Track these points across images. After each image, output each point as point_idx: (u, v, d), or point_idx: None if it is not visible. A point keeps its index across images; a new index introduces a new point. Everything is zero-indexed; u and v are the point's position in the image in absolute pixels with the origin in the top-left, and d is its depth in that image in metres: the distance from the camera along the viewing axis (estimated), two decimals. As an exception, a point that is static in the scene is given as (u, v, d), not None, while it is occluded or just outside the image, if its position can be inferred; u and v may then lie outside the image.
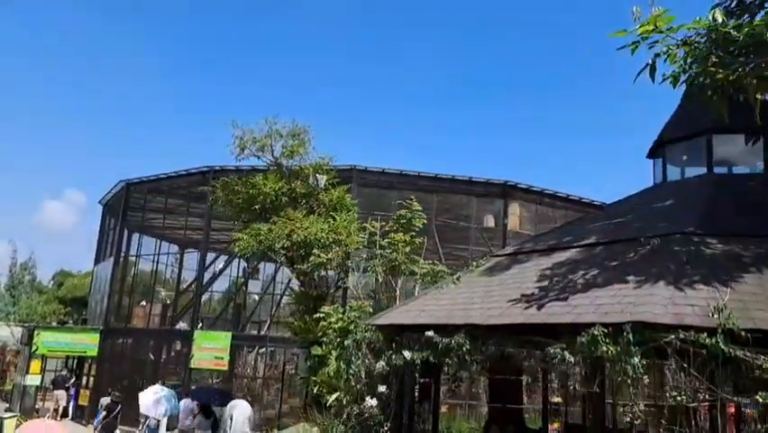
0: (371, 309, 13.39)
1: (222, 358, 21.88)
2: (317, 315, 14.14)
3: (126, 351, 26.47)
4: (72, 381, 25.90)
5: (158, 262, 30.59)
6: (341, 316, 13.40)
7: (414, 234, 15.40)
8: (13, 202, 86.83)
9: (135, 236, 30.57)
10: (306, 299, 15.67)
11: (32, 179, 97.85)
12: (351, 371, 8.55)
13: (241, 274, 36.88)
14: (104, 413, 17.71)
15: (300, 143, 15.77)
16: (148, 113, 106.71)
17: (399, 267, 14.53)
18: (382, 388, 8.22)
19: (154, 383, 23.87)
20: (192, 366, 22.20)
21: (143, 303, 30.41)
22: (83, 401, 24.67)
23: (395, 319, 8.58)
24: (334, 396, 14.67)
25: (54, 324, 37.41)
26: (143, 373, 25.09)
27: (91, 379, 26.10)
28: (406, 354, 7.66)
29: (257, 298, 30.34)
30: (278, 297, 33.17)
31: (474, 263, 9.53)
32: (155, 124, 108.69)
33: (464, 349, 7.01)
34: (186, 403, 18.34)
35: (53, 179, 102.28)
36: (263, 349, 29.83)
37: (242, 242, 14.92)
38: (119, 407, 17.75)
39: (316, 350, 15.18)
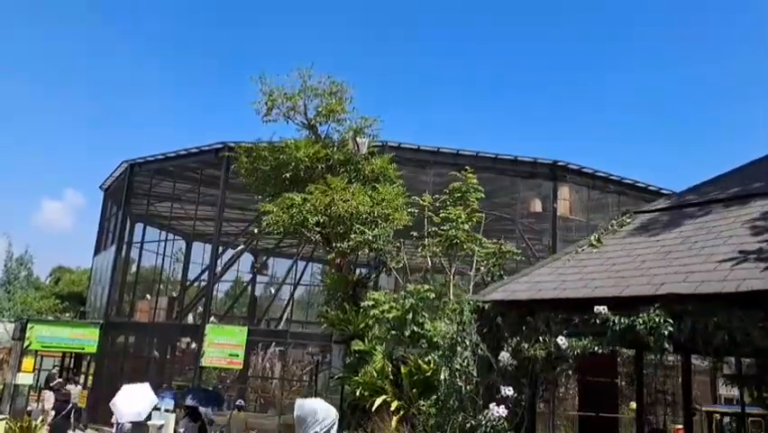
0: (433, 294, 11.00)
1: (237, 355, 19.49)
2: (365, 303, 11.75)
3: (128, 348, 24.09)
4: (56, 381, 23.21)
5: (164, 255, 28.23)
6: (394, 304, 11.01)
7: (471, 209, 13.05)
8: (11, 200, 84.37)
9: (139, 227, 28.27)
10: (343, 285, 13.30)
11: (31, 177, 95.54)
12: (455, 366, 6.15)
13: (248, 270, 34.81)
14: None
15: (339, 102, 13.42)
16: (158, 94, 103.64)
17: (459, 246, 12.16)
18: (508, 390, 5.85)
19: (160, 384, 21.59)
20: (203, 364, 19.81)
21: (148, 297, 28.07)
22: (81, 403, 22.22)
23: (524, 293, 6.17)
24: (380, 400, 12.32)
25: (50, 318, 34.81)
26: (147, 372, 22.68)
27: (90, 378, 23.70)
28: (562, 340, 5.34)
29: (272, 291, 27.89)
30: (295, 290, 31.03)
31: (602, 230, 7.20)
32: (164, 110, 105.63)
33: (663, 329, 4.70)
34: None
35: (52, 177, 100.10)
36: (270, 349, 27.51)
37: (271, 215, 12.53)
38: (69, 406, 15.44)
39: (358, 345, 12.84)
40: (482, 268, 12.00)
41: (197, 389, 17.95)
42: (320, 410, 6.57)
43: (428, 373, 12.22)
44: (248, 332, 19.78)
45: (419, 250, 12.74)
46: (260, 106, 13.36)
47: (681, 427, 13.19)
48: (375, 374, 12.65)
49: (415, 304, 10.68)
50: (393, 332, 10.73)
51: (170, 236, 29.58)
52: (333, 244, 12.70)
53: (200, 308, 29.17)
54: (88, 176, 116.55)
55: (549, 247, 20.47)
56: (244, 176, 14.21)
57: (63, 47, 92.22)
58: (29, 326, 21.85)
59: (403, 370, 12.34)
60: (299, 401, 7.03)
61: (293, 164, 13.12)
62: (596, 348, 5.27)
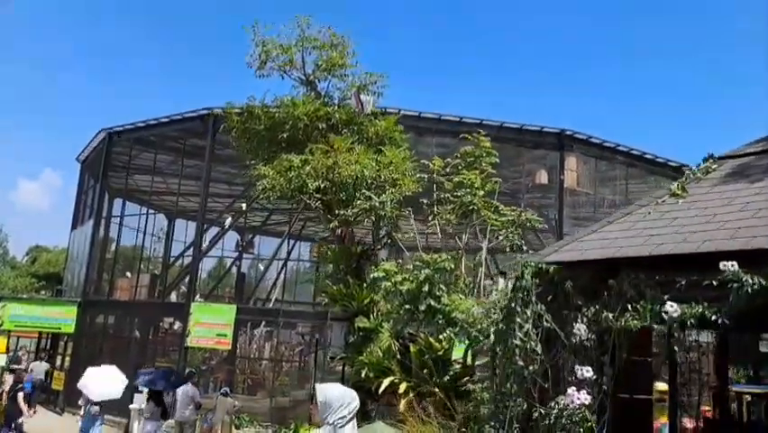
0: (452, 265, 9.86)
1: (225, 335, 18.28)
2: (374, 274, 10.58)
3: (108, 327, 22.77)
4: (21, 366, 21.62)
5: (144, 232, 26.76)
6: (407, 275, 9.85)
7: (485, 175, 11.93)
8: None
9: (118, 203, 26.77)
10: (346, 257, 12.14)
11: (7, 157, 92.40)
12: (515, 341, 5.01)
13: (233, 248, 33.46)
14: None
15: (340, 55, 12.14)
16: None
17: (476, 213, 11.04)
18: (586, 371, 4.70)
19: (141, 364, 20.34)
20: (188, 345, 18.59)
21: (128, 274, 26.68)
22: (57, 385, 20.94)
23: (601, 251, 4.96)
24: (387, 381, 11.24)
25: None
26: (128, 353, 21.45)
27: (67, 359, 22.39)
28: (672, 307, 4.23)
29: (261, 268, 26.60)
30: (285, 268, 29.80)
31: (684, 178, 6.11)
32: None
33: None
34: (184, 390, 14.82)
35: (30, 156, 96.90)
36: (259, 329, 26.30)
37: (267, 179, 11.28)
38: (19, 387, 14.20)
39: (362, 322, 11.72)
40: (501, 237, 10.88)
41: (148, 369, 16.68)
42: (346, 395, 5.71)
43: (440, 353, 11.17)
44: (236, 310, 18.56)
45: (429, 219, 11.60)
46: (252, 59, 12.05)
47: (708, 408, 12.33)
48: (381, 354, 11.56)
49: (431, 275, 9.55)
50: (406, 306, 9.60)
51: (151, 212, 28.13)
52: (336, 212, 11.51)
53: (183, 288, 27.90)
54: (67, 154, 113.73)
55: (555, 221, 19.49)
56: (235, 138, 12.89)
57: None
58: (0, 304, 20.46)
59: (412, 349, 11.27)
60: (320, 386, 5.99)
61: (290, 123, 11.84)
62: (714, 317, 4.19)
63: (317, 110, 11.88)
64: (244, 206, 25.05)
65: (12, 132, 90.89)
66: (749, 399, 12.04)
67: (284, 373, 21.62)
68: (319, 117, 11.94)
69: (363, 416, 11.93)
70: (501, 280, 8.79)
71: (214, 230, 26.93)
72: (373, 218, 11.34)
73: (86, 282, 22.69)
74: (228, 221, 23.03)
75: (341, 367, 13.40)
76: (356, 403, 5.01)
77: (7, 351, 20.94)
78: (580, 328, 4.75)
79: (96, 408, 13.37)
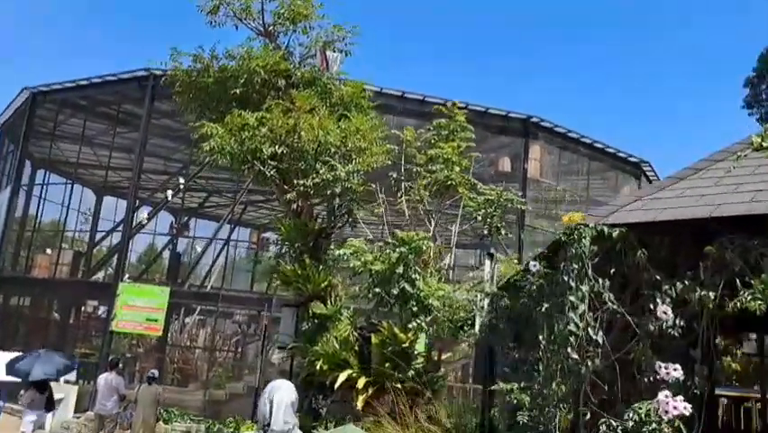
0: (430, 243, 8.66)
1: (156, 320, 16.52)
2: (340, 251, 9.24)
3: (24, 308, 20.51)
4: None
5: (68, 208, 24.39)
6: (379, 254, 8.59)
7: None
8: None
9: (40, 175, 24.34)
10: (303, 234, 10.75)
11: None
12: (570, 327, 3.76)
13: (166, 231, 31.35)
14: None
15: (306, 4, 10.71)
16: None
17: (453, 189, 9.89)
18: (673, 369, 3.50)
19: (61, 350, 18.30)
20: (114, 329, 16.72)
21: (48, 251, 24.28)
22: (-40, 372, 18.57)
23: (695, 210, 3.73)
24: (344, 375, 9.96)
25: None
26: (46, 337, 19.37)
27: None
28: None
29: (198, 250, 24.70)
30: (222, 253, 27.98)
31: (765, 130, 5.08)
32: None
33: None
34: (106, 379, 13.09)
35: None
36: (193, 316, 24.44)
37: (216, 138, 9.74)
38: None
39: (318, 308, 10.38)
40: (479, 218, 9.77)
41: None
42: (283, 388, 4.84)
43: (406, 344, 9.97)
44: (170, 293, 16.83)
45: (398, 197, 10.38)
46: (203, 3, 10.49)
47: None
48: (338, 345, 10.26)
49: (405, 255, 8.32)
50: (376, 290, 8.35)
51: (78, 187, 25.75)
52: (295, 182, 10.10)
53: (111, 270, 25.68)
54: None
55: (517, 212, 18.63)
56: (178, 93, 11.24)
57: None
58: None
59: (374, 340, 10.03)
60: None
61: (244, 78, 10.32)
62: None
63: (276, 63, 10.41)
64: (182, 181, 23.18)
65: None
66: None
67: (218, 365, 19.97)
68: (278, 72, 10.47)
69: (314, 414, 10.66)
70: (488, 263, 7.69)
71: (146, 209, 24.88)
72: (338, 190, 9.99)
73: (0, 257, 20.34)
74: (169, 193, 21.10)
75: (288, 359, 12.02)
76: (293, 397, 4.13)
77: None
78: (666, 312, 3.61)
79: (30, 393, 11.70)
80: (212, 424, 15.20)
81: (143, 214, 24.06)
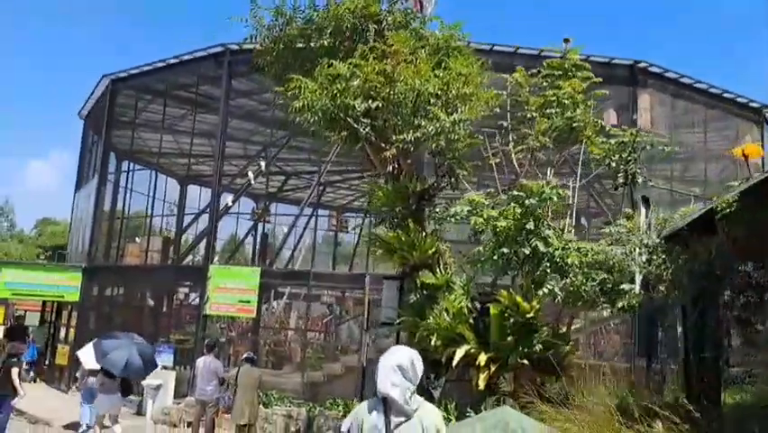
0: (561, 193, 7.39)
1: (249, 302, 16.00)
2: (456, 208, 8.11)
3: (117, 296, 20.57)
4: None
5: (154, 198, 24.38)
6: (504, 208, 7.38)
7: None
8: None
9: (124, 166, 24.38)
10: (403, 197, 9.67)
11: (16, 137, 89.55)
12: None
13: (249, 217, 31.20)
14: None
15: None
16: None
17: (577, 133, 8.54)
18: None
19: (156, 337, 18.20)
20: (207, 312, 16.32)
21: (137, 239, 24.45)
22: (61, 360, 18.84)
23: None
24: (462, 351, 8.85)
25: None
26: (141, 325, 19.25)
27: (71, 331, 20.26)
28: None
29: (284, 231, 24.15)
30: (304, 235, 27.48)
31: None
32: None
33: None
34: (204, 363, 12.58)
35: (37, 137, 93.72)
36: (275, 301, 24.00)
37: (306, 93, 8.75)
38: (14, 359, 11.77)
39: (427, 277, 9.31)
40: (612, 163, 8.36)
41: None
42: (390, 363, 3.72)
43: (530, 314, 8.75)
44: (261, 273, 16.23)
45: (509, 147, 9.10)
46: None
47: None
48: (449, 318, 9.16)
49: (534, 207, 7.09)
50: (503, 250, 7.16)
51: (161, 178, 25.76)
52: (394, 138, 9.01)
53: (198, 258, 25.64)
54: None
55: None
56: (260, 53, 10.32)
57: None
58: (-4, 270, 18.34)
59: (492, 310, 8.86)
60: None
61: (332, 26, 9.30)
62: None
63: (366, 6, 9.30)
64: (263, 163, 22.65)
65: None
66: None
67: (311, 346, 19.36)
68: (368, 17, 9.36)
69: (427, 396, 9.64)
70: (644, 211, 6.36)
71: (227, 196, 24.60)
72: (443, 143, 8.82)
73: (91, 246, 20.42)
74: (251, 174, 20.61)
75: (393, 336, 11.03)
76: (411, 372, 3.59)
77: (5, 321, 18.82)
78: None
79: (93, 379, 11.17)
80: (312, 407, 14.55)
81: (228, 198, 23.83)
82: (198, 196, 27.70)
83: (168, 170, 26.76)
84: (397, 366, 3.73)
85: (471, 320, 9.33)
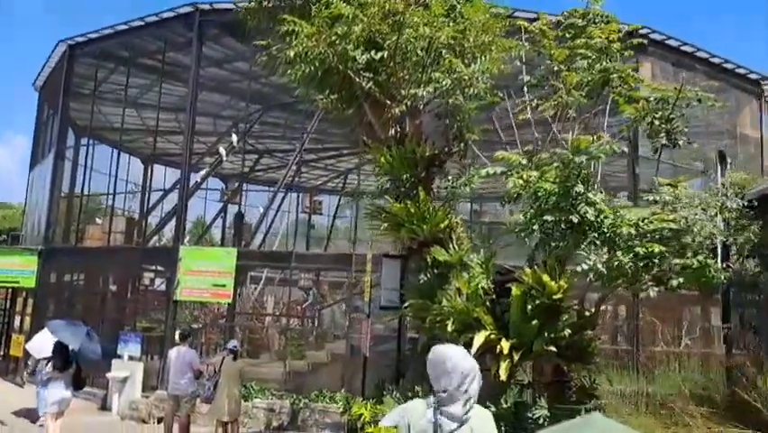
0: (613, 150, 6.30)
1: (224, 285, 14.66)
2: (486, 170, 6.96)
3: (77, 281, 18.99)
4: None
5: (116, 178, 22.63)
6: (556, 167, 6.25)
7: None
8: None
9: (83, 143, 22.58)
10: (410, 164, 8.50)
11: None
12: None
13: (218, 199, 29.66)
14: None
15: None
16: None
17: (611, 85, 7.47)
18: None
19: (121, 325, 16.75)
20: (178, 298, 14.94)
21: (98, 220, 22.79)
22: (16, 351, 17.24)
23: None
24: (481, 337, 7.75)
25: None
26: (103, 312, 17.78)
27: (26, 319, 18.62)
28: None
29: (261, 209, 22.70)
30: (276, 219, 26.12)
31: None
32: None
33: None
34: (178, 353, 11.26)
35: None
36: (259, 285, 22.63)
37: (301, 38, 7.47)
38: None
39: (440, 253, 8.18)
40: (656, 122, 7.32)
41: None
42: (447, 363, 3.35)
43: (557, 295, 7.70)
44: (237, 255, 14.89)
45: (533, 105, 7.98)
46: None
47: None
48: (465, 300, 8.05)
49: (577, 168, 5.99)
50: (547, 218, 6.06)
51: (124, 157, 24.02)
52: (402, 93, 7.79)
53: (165, 240, 24.11)
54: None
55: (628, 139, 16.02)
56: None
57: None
58: (-60, 254, 16.58)
59: (515, 291, 7.78)
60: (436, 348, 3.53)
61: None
62: None
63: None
64: (235, 138, 21.23)
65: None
66: None
67: (291, 333, 18.11)
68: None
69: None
70: (719, 169, 5.32)
71: (195, 176, 22.96)
72: (460, 99, 7.65)
73: (48, 228, 18.77)
74: (222, 150, 19.19)
75: (394, 321, 9.92)
76: (464, 375, 3.22)
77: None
78: None
79: (48, 368, 9.82)
80: (296, 399, 13.37)
81: (197, 176, 22.33)
82: (164, 176, 26.19)
83: (131, 148, 25.09)
84: (457, 368, 3.35)
85: (488, 303, 8.25)
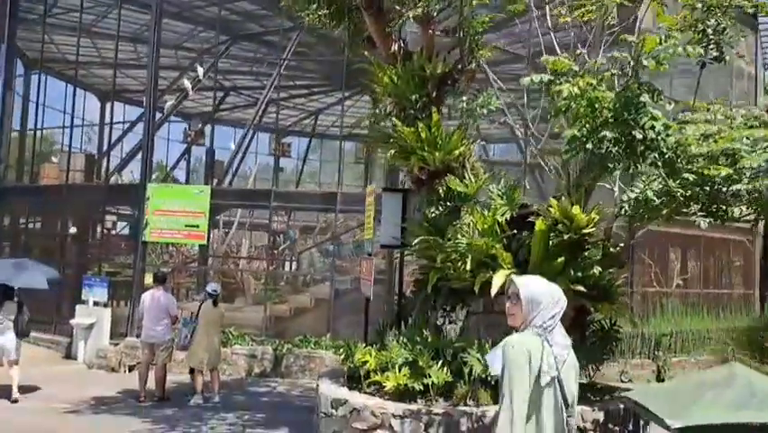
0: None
1: (197, 226, 13.59)
2: (532, 78, 5.96)
3: (34, 222, 17.63)
4: None
5: (72, 116, 20.88)
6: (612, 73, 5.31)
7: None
8: None
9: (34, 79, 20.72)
10: (419, 83, 7.49)
11: None
12: None
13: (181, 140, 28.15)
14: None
15: None
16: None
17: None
18: None
19: (83, 269, 15.61)
20: (146, 239, 13.82)
21: (54, 159, 21.23)
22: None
23: None
24: (502, 276, 6.96)
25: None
26: (64, 257, 16.55)
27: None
28: None
29: (233, 145, 21.36)
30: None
31: None
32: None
33: None
34: (153, 297, 10.26)
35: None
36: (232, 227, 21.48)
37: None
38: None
39: (455, 183, 7.31)
40: (709, 29, 6.42)
41: None
42: (553, 290, 3.34)
43: (587, 229, 6.93)
44: (210, 193, 13.77)
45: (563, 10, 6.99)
46: None
47: None
48: (480, 236, 7.23)
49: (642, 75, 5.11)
50: (605, 134, 5.18)
51: (80, 93, 22.19)
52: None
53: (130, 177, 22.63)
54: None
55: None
56: None
57: None
58: None
59: (539, 225, 6.98)
60: (519, 280, 3.40)
61: None
62: None
63: None
64: (201, 70, 19.70)
65: None
66: None
67: (267, 277, 17.20)
68: None
69: (440, 331, 7.81)
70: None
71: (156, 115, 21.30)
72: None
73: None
74: (186, 83, 17.76)
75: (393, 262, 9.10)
76: (564, 301, 3.31)
77: None
78: None
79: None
80: (279, 345, 12.61)
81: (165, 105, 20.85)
82: (123, 115, 24.57)
83: (86, 84, 23.30)
84: (556, 298, 3.32)
85: (504, 240, 7.46)
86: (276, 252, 18.55)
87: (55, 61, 21.14)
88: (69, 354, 13.82)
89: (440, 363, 6.98)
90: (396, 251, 9.12)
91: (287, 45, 16.54)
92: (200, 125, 27.17)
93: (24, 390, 9.86)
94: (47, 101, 20.67)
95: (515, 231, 7.50)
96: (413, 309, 8.38)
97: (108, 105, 23.05)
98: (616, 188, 7.42)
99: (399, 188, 8.52)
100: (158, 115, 20.17)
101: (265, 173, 30.11)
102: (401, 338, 7.40)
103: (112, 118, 21.23)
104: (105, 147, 21.74)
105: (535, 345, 3.06)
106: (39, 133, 20.38)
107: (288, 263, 19.87)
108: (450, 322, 8.11)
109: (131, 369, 12.62)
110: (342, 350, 7.10)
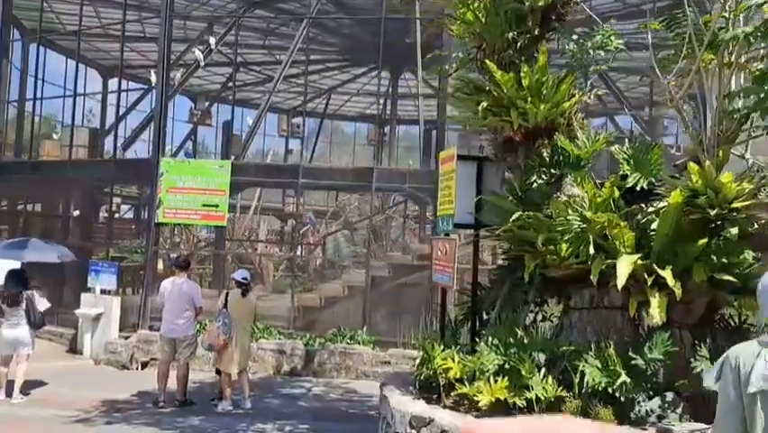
0: None
1: (217, 206, 12.10)
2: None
3: (35, 200, 16.16)
4: None
5: (75, 93, 19.30)
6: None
7: None
8: None
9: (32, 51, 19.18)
10: (514, 19, 5.96)
11: None
12: None
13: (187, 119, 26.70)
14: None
15: None
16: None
17: None
18: None
19: (88, 254, 14.16)
20: (160, 220, 12.33)
21: (55, 135, 19.70)
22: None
23: None
24: (628, 263, 5.45)
25: None
26: (66, 238, 15.06)
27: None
28: None
29: (250, 121, 19.69)
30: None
31: None
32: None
33: None
34: (174, 285, 8.78)
35: None
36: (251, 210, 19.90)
37: None
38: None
39: (566, 144, 5.82)
40: None
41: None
42: None
43: (736, 204, 5.44)
44: (231, 169, 12.26)
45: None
46: None
47: None
48: (593, 210, 5.74)
49: None
50: None
51: (81, 68, 20.63)
52: None
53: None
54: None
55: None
56: None
57: None
58: None
59: (673, 198, 5.47)
60: None
61: None
62: None
63: None
64: (213, 41, 18.15)
65: None
66: None
67: (287, 263, 15.73)
68: None
69: (559, 327, 6.38)
70: None
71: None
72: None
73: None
74: (198, 53, 16.26)
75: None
76: None
77: None
78: None
79: None
80: (310, 339, 11.19)
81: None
82: (126, 92, 23.02)
83: (87, 57, 21.71)
84: None
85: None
86: (298, 235, 16.97)
87: (56, 33, 19.60)
88: (74, 348, 12.42)
89: (542, 371, 5.54)
90: (469, 231, 7.61)
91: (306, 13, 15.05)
92: (206, 104, 25.74)
93: (27, 385, 8.58)
94: (46, 76, 19.21)
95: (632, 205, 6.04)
96: (492, 304, 6.92)
97: (110, 82, 21.73)
98: (748, 154, 6.00)
99: (474, 156, 6.98)
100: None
101: (274, 156, 28.67)
102: (490, 339, 5.94)
103: (119, 90, 19.76)
104: (107, 125, 20.35)
105: (747, 351, 2.70)
106: (39, 105, 18.89)
107: (311, 249, 18.38)
108: (543, 319, 6.67)
109: (143, 366, 11.23)
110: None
